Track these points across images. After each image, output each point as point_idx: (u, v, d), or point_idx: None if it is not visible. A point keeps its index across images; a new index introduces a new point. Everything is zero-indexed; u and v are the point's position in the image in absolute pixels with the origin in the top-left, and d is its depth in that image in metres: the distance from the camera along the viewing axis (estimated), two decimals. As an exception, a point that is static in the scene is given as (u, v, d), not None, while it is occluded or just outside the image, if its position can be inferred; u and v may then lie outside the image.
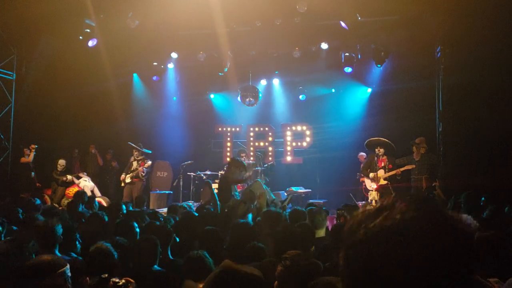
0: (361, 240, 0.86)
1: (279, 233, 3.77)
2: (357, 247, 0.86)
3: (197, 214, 5.83)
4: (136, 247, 3.74)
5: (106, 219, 5.41)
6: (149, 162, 11.24)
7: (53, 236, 3.83)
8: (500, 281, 2.78)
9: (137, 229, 4.58)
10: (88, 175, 11.65)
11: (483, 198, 6.36)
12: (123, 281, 2.06)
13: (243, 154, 11.84)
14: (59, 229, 3.92)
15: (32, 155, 10.98)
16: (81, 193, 7.97)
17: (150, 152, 11.52)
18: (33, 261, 2.58)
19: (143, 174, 11.15)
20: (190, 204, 9.63)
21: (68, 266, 2.54)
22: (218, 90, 13.84)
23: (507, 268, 3.10)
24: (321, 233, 4.96)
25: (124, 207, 6.53)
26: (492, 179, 7.98)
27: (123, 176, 11.27)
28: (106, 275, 2.07)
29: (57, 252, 3.82)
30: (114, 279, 2.05)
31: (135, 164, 11.22)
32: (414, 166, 9.61)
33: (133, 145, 11.26)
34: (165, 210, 9.09)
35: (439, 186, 8.27)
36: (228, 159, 9.36)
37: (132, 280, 2.10)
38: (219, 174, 11.78)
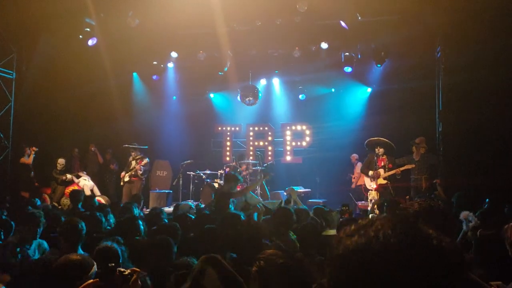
0: (338, 255, 0.90)
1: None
2: (336, 261, 0.91)
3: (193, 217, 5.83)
4: (151, 247, 3.78)
5: (103, 220, 5.40)
6: (146, 160, 11.21)
7: (77, 233, 3.87)
8: (503, 284, 2.77)
9: (141, 227, 4.60)
10: (88, 174, 11.66)
11: (487, 200, 6.35)
12: (129, 270, 2.06)
13: (244, 167, 11.89)
14: (83, 226, 3.94)
15: (32, 157, 11.01)
16: (76, 193, 7.90)
17: (146, 147, 11.47)
18: (63, 261, 2.55)
19: (141, 172, 11.12)
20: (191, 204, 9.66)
21: (95, 265, 2.53)
22: (218, 89, 13.84)
23: (507, 268, 3.10)
24: (332, 232, 5.05)
25: (135, 210, 6.51)
26: (492, 179, 7.99)
27: (123, 174, 11.27)
28: (113, 264, 2.06)
29: (80, 250, 3.84)
30: (120, 269, 2.04)
31: (133, 163, 11.21)
32: (413, 165, 9.60)
33: (129, 146, 11.23)
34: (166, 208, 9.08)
35: (440, 185, 8.27)
36: (227, 173, 9.00)
37: (138, 270, 2.09)
38: (219, 174, 11.79)
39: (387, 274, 0.82)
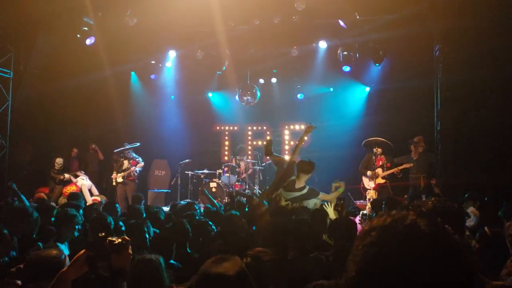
0: (372, 242, 0.97)
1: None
2: (370, 246, 0.97)
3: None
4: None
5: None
6: (141, 163, 11.13)
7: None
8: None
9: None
10: (89, 172, 11.60)
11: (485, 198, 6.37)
12: (119, 240, 2.04)
13: (242, 168, 11.91)
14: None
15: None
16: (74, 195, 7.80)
17: (138, 144, 11.39)
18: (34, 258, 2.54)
19: (136, 175, 11.08)
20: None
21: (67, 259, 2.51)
22: (216, 88, 13.82)
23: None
24: None
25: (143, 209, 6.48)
26: (491, 178, 7.99)
27: (114, 175, 11.14)
28: (103, 233, 2.05)
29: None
30: (110, 238, 2.03)
31: (126, 163, 11.10)
32: (411, 164, 9.60)
33: (120, 149, 11.17)
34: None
35: (437, 185, 8.27)
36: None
37: (127, 238, 2.08)
38: (217, 173, 11.75)
39: (408, 269, 0.89)
